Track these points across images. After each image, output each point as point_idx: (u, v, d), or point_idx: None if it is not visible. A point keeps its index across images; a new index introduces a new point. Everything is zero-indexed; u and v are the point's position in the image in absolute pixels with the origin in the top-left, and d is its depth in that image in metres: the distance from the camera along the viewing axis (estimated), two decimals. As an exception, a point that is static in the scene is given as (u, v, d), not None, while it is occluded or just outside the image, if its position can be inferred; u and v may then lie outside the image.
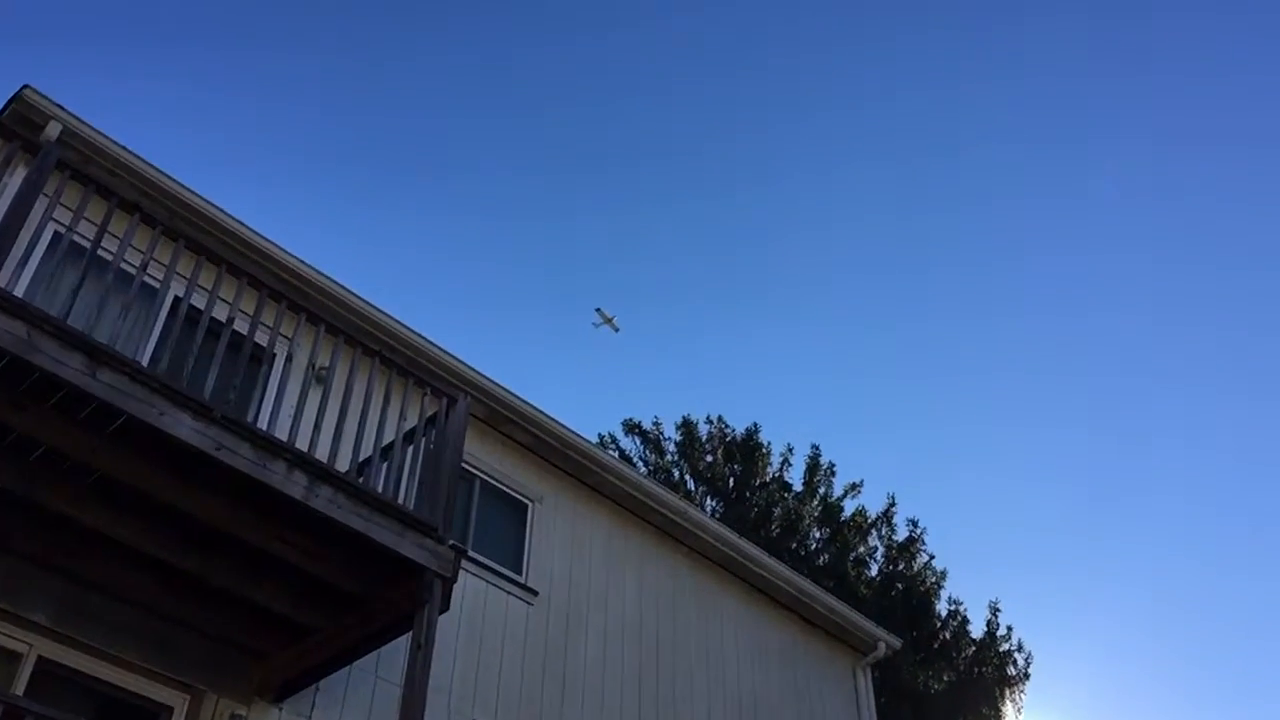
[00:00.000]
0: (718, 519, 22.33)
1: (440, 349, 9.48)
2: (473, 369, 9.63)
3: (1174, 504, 42.57)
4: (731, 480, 26.45)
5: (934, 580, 24.60)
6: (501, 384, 9.81)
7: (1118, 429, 41.34)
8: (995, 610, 24.75)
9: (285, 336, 7.88)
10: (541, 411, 10.10)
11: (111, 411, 5.58)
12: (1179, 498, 42.21)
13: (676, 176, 48.34)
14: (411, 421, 7.34)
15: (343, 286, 9.00)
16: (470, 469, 9.48)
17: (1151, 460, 42.04)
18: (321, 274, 8.91)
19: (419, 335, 9.38)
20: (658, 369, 48.27)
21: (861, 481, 26.07)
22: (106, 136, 7.98)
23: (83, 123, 7.86)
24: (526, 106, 46.34)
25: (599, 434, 27.25)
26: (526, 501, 10.05)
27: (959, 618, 24.30)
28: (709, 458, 26.84)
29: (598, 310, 40.21)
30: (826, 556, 24.73)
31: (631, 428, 27.43)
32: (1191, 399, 41.60)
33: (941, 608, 24.37)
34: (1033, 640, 27.15)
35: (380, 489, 6.88)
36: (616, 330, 40.80)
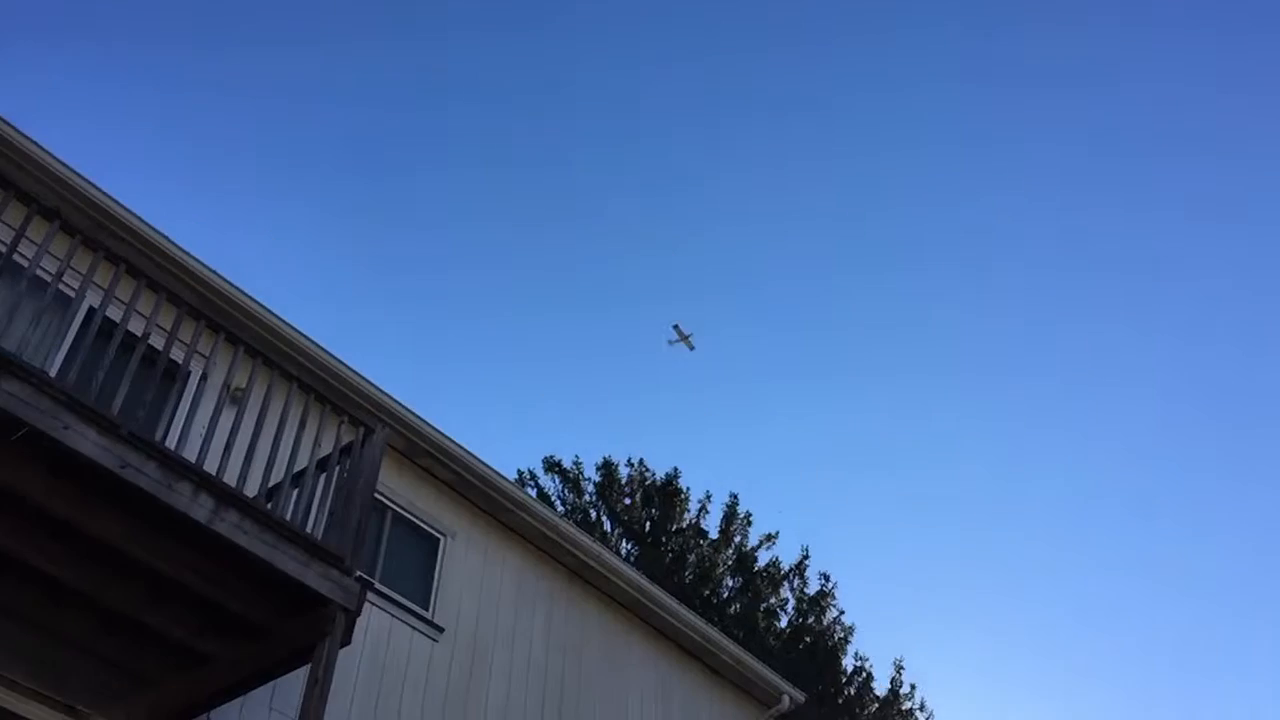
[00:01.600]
0: (632, 562, 22.28)
1: (362, 377, 9.38)
2: (393, 399, 9.54)
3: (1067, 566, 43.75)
4: (648, 524, 26.42)
5: (842, 635, 24.80)
6: (422, 416, 9.73)
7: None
8: (899, 668, 25.03)
9: (202, 354, 7.75)
10: (461, 446, 10.02)
11: (13, 422, 5.42)
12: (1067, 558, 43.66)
13: (603, 224, 48.85)
14: (326, 449, 7.24)
15: (264, 307, 8.87)
16: (383, 500, 9.35)
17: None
18: (243, 293, 8.77)
19: (340, 362, 9.27)
20: (584, 408, 48.28)
21: (777, 533, 26.26)
22: (27, 137, 7.80)
23: (3, 121, 7.68)
24: (469, 150, 46.42)
25: (519, 470, 27.09)
26: (439, 536, 9.93)
27: (864, 674, 24.50)
28: (627, 500, 26.80)
29: (675, 327, 39.13)
30: (738, 606, 24.78)
31: (552, 466, 27.29)
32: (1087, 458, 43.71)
33: (848, 663, 24.56)
34: (936, 700, 27.42)
35: (289, 516, 6.75)
36: (691, 349, 39.65)
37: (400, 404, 9.56)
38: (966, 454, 45.95)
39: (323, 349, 9.14)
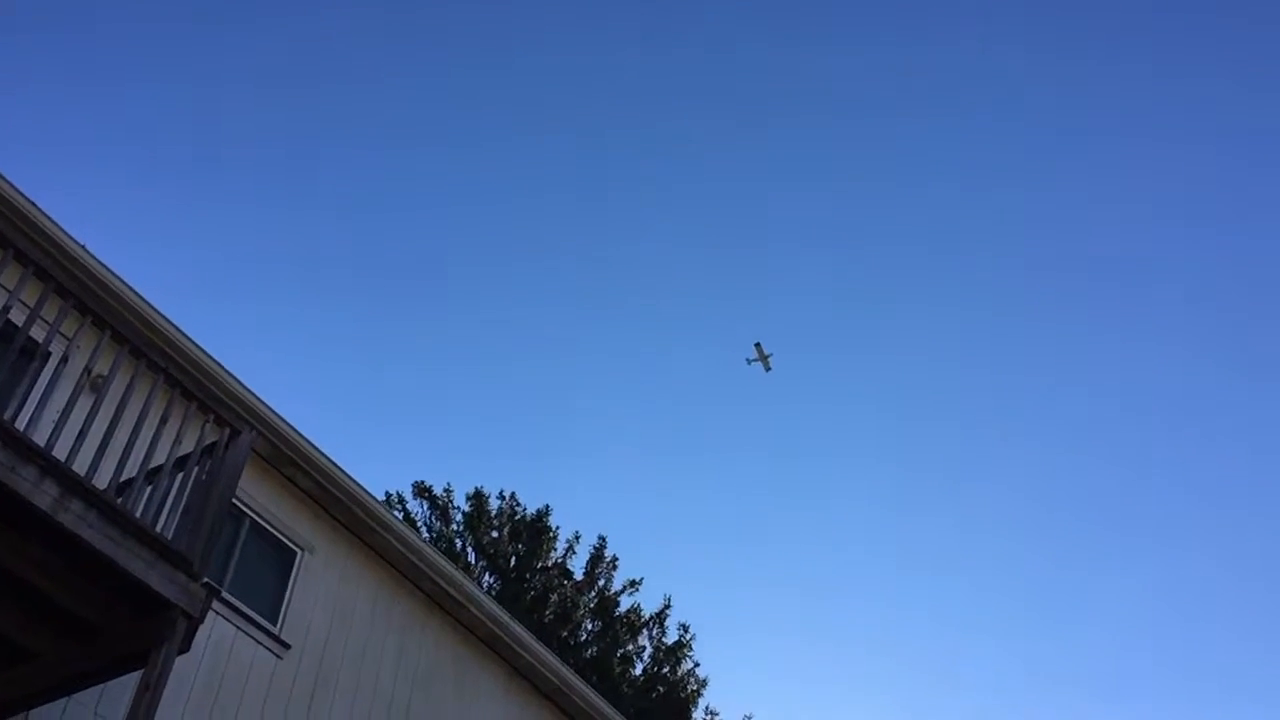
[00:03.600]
0: (494, 596, 21.94)
1: (233, 376, 9.08)
2: (264, 403, 9.25)
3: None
4: (514, 559, 26.12)
5: (695, 687, 24.82)
6: (292, 424, 9.45)
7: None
8: (749, 725, 25.10)
9: (65, 336, 7.39)
10: (329, 459, 9.76)
11: None
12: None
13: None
14: (188, 447, 6.96)
15: (137, 294, 8.52)
16: (242, 507, 9.04)
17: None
18: (117, 276, 8.43)
19: (212, 359, 8.96)
20: (465, 435, 47.80)
21: (641, 579, 26.22)
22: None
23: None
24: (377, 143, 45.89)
25: (387, 492, 26.55)
26: (296, 549, 9.62)
27: (714, 728, 24.50)
28: (495, 533, 26.46)
29: (756, 345, 37.81)
30: (595, 650, 24.61)
31: (422, 491, 26.82)
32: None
33: (699, 716, 24.56)
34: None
35: (139, 513, 6.45)
36: (768, 370, 38.21)
37: (270, 409, 9.28)
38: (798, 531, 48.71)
39: (194, 343, 8.83)
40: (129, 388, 6.52)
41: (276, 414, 9.33)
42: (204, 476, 6.90)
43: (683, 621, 25.70)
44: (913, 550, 50.58)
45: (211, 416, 7.05)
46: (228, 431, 7.02)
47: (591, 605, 25.64)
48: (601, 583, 26.08)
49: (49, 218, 8.11)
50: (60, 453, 5.97)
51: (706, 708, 24.71)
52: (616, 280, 51.42)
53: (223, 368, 9.02)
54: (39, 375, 7.76)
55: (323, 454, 9.70)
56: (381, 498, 24.73)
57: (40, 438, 6.00)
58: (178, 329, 8.75)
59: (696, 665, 25.22)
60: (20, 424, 6.26)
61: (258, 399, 9.20)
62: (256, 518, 9.28)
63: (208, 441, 7.03)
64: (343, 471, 9.87)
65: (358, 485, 10.02)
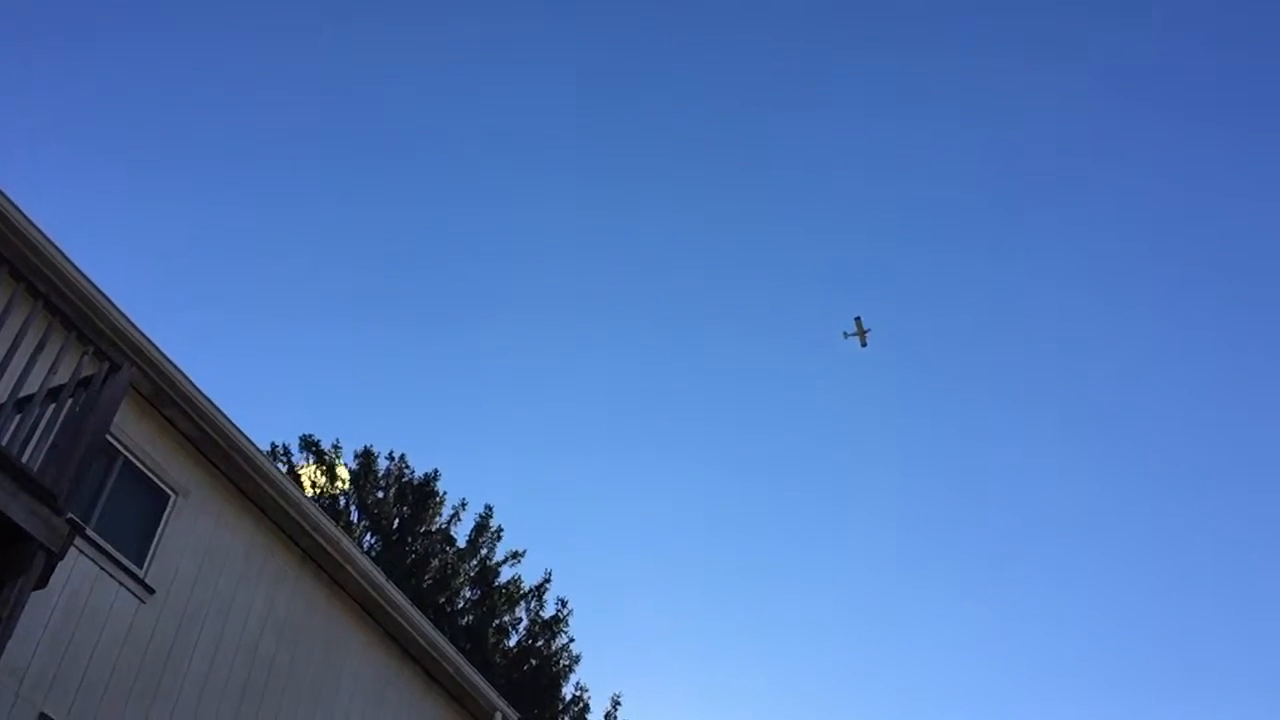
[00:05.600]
0: (373, 557, 21.71)
1: (119, 310, 8.77)
2: (149, 339, 8.96)
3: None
4: (398, 521, 25.83)
5: (567, 663, 24.87)
6: (177, 364, 9.19)
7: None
8: (616, 703, 25.31)
9: (-59, 251, 7.07)
10: (212, 403, 9.52)
11: None
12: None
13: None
14: (63, 378, 6.73)
15: (22, 213, 8.14)
16: (115, 444, 8.77)
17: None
18: (6, 198, 8.07)
19: (98, 290, 8.64)
20: (364, 393, 47.13)
21: (524, 551, 26.13)
22: None
23: None
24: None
25: (273, 443, 25.98)
26: (170, 493, 9.38)
27: (581, 704, 24.64)
28: (381, 494, 26.13)
29: (856, 320, 36.57)
30: (472, 618, 24.51)
31: (309, 445, 26.28)
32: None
33: (568, 691, 24.65)
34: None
35: (4, 442, 6.23)
36: (864, 346, 36.98)
37: (155, 345, 9.00)
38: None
39: (80, 272, 8.50)
40: (5, 311, 6.28)
41: (161, 352, 9.06)
42: (77, 409, 6.68)
43: (562, 596, 25.74)
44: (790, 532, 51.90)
45: (91, 348, 6.83)
46: (107, 365, 6.81)
47: (472, 574, 25.51)
48: (484, 552, 25.93)
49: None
50: (-76, 371, 5.73)
51: (577, 683, 24.82)
52: (528, 261, 51.32)
53: (108, 299, 8.71)
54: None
55: (206, 397, 9.46)
56: (266, 448, 24.27)
57: (-97, 354, 5.74)
58: (64, 255, 8.42)
59: (571, 641, 25.30)
60: (-117, 337, 5.99)
61: (143, 335, 8.92)
62: (130, 457, 9.02)
63: (85, 374, 6.81)
64: (225, 417, 9.64)
65: (240, 432, 9.80)
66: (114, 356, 6.90)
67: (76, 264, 8.50)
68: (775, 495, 52.62)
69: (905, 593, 52.27)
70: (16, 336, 6.32)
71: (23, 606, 5.90)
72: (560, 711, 24.13)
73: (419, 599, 20.85)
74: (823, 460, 54.34)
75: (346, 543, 11.01)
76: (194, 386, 9.36)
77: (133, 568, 8.75)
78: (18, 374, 6.40)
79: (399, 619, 11.54)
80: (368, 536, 25.36)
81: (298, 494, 10.53)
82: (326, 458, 26.27)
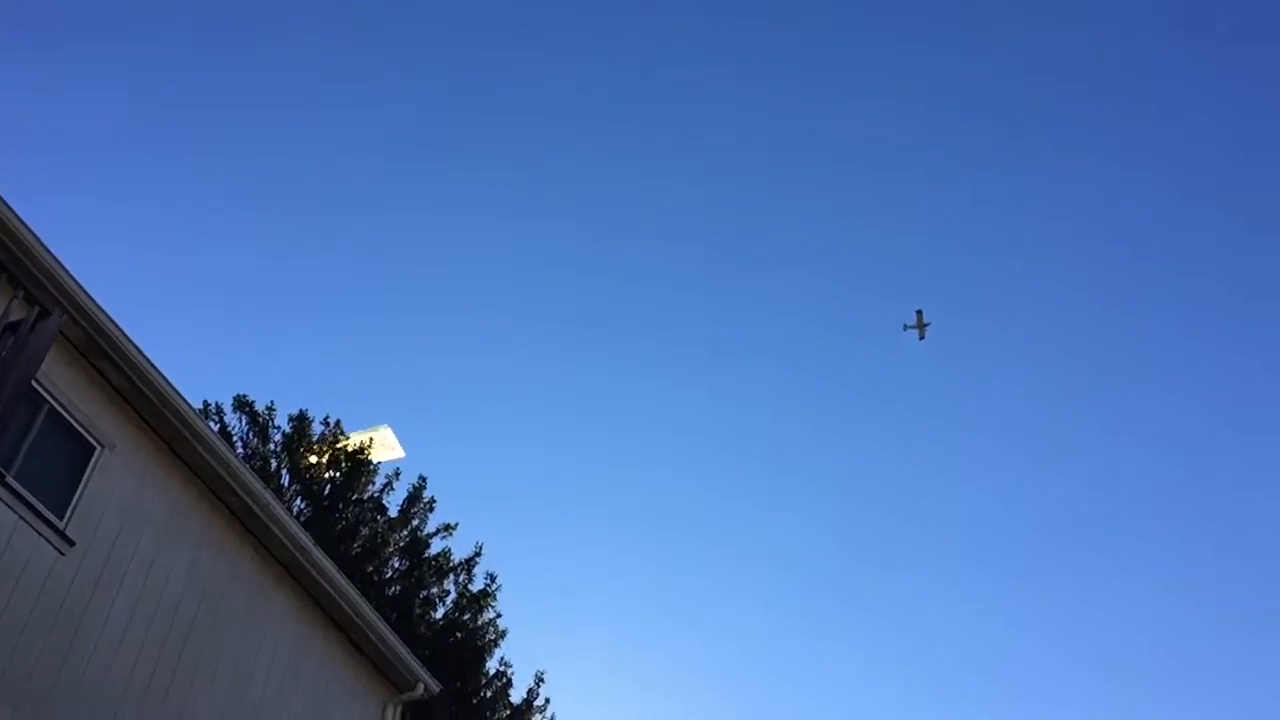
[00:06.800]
0: (301, 522, 21.48)
1: (51, 255, 8.53)
2: (81, 287, 8.74)
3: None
4: (329, 488, 25.56)
5: (493, 637, 24.84)
6: (109, 313, 8.99)
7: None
8: (540, 680, 25.33)
9: None
10: (144, 355, 9.33)
11: None
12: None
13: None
14: (-12, 321, 6.56)
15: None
16: (41, 392, 8.56)
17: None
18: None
19: (31, 233, 8.39)
20: (305, 357, 46.55)
21: (456, 524, 25.98)
22: None
23: None
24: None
25: (206, 401, 25.54)
26: (96, 445, 9.19)
27: (505, 679, 24.63)
28: (314, 459, 25.83)
29: (918, 313, 36.25)
30: (399, 589, 24.36)
31: (242, 405, 25.86)
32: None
33: (492, 665, 24.62)
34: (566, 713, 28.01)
35: (-77, 381, 6.06)
36: (921, 339, 36.81)
37: (87, 293, 8.78)
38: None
39: (14, 213, 8.25)
40: (-69, 247, 6.10)
41: (94, 301, 8.85)
42: (4, 353, 6.52)
43: (491, 571, 25.67)
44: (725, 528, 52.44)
45: (21, 292, 6.67)
46: (36, 311, 6.65)
47: (402, 544, 25.35)
48: (415, 523, 25.77)
49: None
50: None
51: (501, 659, 24.79)
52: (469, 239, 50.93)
53: (41, 243, 8.47)
54: None
55: (138, 349, 9.27)
56: (199, 405, 23.87)
57: None
58: (-3, 195, 8.19)
59: (498, 616, 25.24)
60: None
61: (75, 282, 8.70)
62: (56, 405, 8.81)
63: (13, 318, 6.64)
64: (157, 371, 9.46)
65: (171, 387, 9.62)
66: (44, 301, 6.76)
67: (11, 205, 8.27)
68: (711, 492, 53.05)
69: (859, 569, 52.69)
70: (-58, 274, 6.14)
71: (-66, 552, 5.74)
72: (483, 685, 24.12)
73: (347, 566, 20.65)
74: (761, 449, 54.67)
75: (275, 505, 10.88)
76: (126, 338, 9.16)
77: (53, 519, 8.57)
78: (-58, 313, 6.23)
79: (324, 584, 11.44)
80: (298, 501, 25.08)
81: (228, 453, 10.37)
82: (260, 419, 25.93)
